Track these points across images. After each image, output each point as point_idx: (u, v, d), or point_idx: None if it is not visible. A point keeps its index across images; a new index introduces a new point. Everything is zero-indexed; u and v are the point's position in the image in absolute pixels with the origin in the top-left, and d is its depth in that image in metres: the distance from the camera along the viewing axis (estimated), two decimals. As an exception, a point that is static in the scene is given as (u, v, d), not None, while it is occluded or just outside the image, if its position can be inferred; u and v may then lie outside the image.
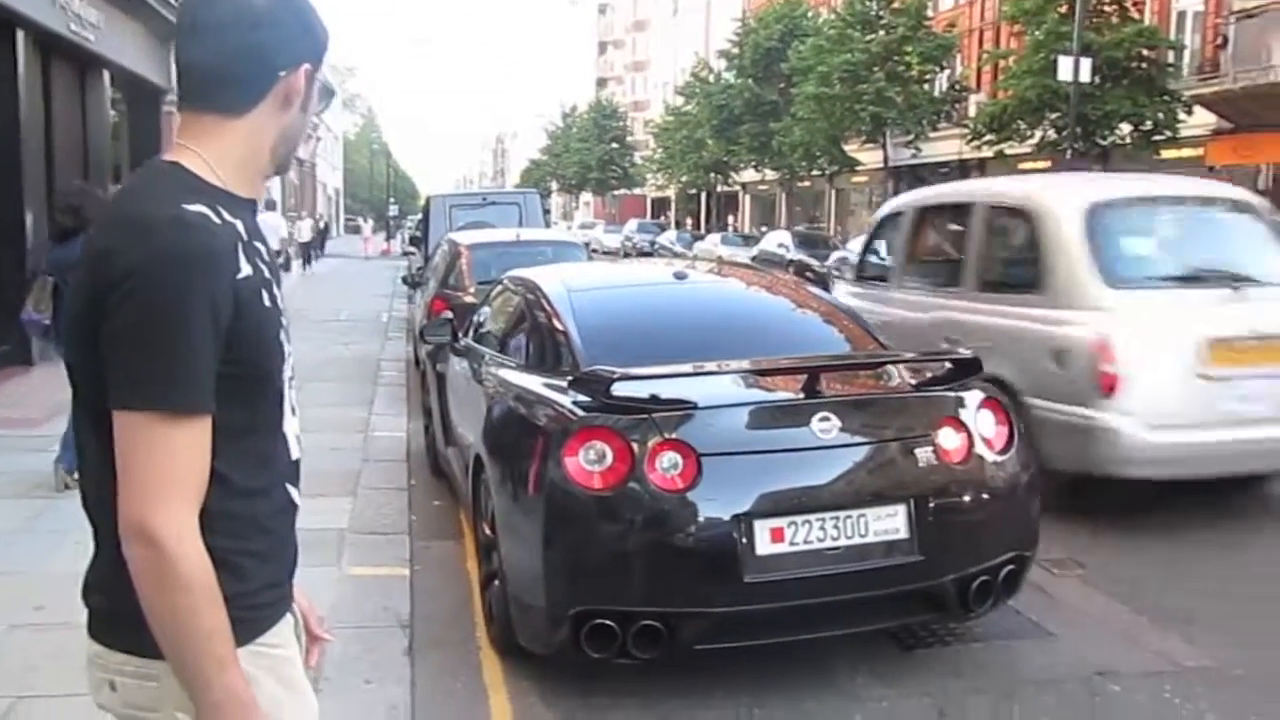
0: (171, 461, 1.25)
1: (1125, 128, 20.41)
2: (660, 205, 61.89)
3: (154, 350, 1.24)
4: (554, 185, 73.87)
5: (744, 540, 3.34)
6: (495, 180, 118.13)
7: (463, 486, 4.94)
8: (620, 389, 3.45)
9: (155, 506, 1.24)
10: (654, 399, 3.51)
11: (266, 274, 1.37)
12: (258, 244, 1.38)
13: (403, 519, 5.67)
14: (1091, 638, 4.19)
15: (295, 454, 1.49)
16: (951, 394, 3.84)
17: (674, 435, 3.40)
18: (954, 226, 7.05)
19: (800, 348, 4.24)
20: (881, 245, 8.20)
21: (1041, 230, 5.77)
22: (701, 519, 3.36)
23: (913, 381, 4.04)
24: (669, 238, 38.14)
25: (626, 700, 3.60)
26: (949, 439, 3.64)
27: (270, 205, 22.73)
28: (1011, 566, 3.72)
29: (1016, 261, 6.27)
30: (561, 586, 3.44)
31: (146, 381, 1.24)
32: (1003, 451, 3.77)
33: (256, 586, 1.38)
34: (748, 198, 49.04)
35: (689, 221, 51.21)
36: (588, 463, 3.38)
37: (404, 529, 5.49)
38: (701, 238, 35.76)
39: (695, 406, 3.51)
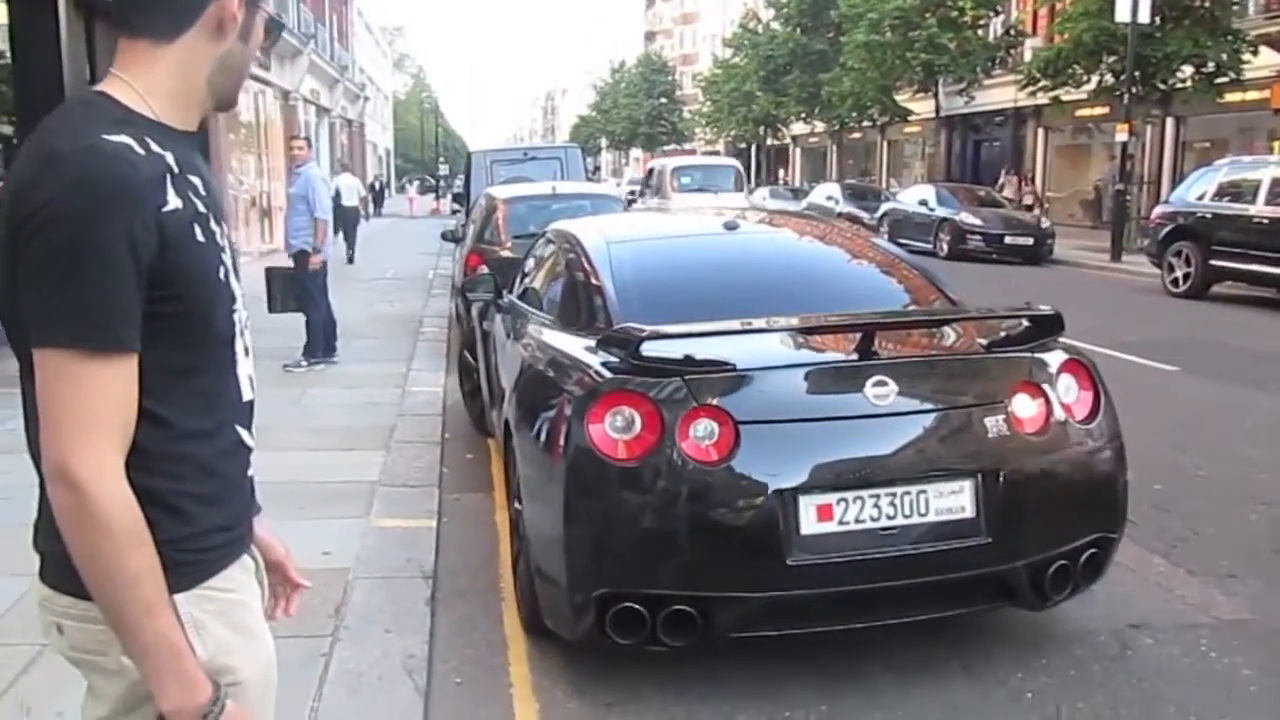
0: (92, 401, 1.21)
1: (1187, 70, 19.65)
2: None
3: (68, 285, 1.19)
4: (604, 142, 73.54)
5: (787, 518, 3.03)
6: (545, 138, 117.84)
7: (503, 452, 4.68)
8: (650, 349, 3.14)
9: (76, 448, 1.20)
10: (688, 360, 3.19)
11: (201, 208, 1.32)
12: (192, 177, 1.32)
13: (433, 472, 5.69)
14: (1127, 590, 4.07)
15: (248, 396, 1.46)
16: (1028, 355, 3.46)
17: (710, 400, 3.10)
18: (652, 175, 22.90)
19: (860, 304, 3.89)
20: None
21: (660, 177, 22.08)
22: (739, 494, 3.06)
23: (983, 341, 3.61)
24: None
25: (648, 658, 3.56)
26: (1024, 406, 3.28)
27: (344, 167, 23.94)
28: (1095, 550, 3.36)
29: (659, 187, 21.58)
30: (584, 566, 3.16)
31: (61, 318, 1.20)
32: (1086, 420, 3.40)
33: (203, 529, 1.35)
34: (798, 151, 48.38)
35: (738, 176, 50.62)
36: (614, 430, 3.09)
37: (434, 482, 5.51)
38: (750, 192, 35.34)
39: (734, 369, 3.20)
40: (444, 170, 55.99)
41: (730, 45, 44.50)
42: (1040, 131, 29.24)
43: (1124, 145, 20.21)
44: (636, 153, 73.22)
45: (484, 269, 8.72)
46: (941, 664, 3.49)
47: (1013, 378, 3.36)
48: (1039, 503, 3.27)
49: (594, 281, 4.10)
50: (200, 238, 1.30)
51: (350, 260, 18.49)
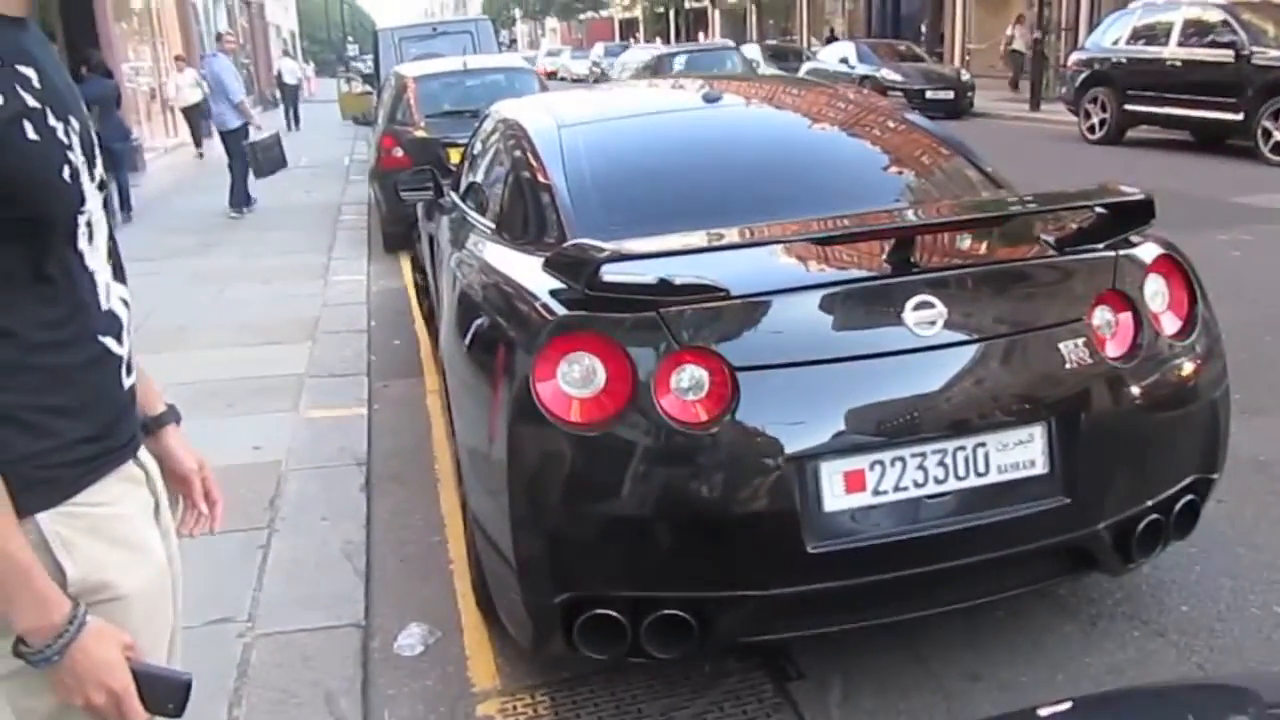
0: None
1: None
2: (628, 26, 59.74)
3: None
4: (517, 13, 71.19)
5: (806, 492, 2.32)
6: (457, 11, 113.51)
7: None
8: (614, 272, 2.33)
9: None
10: (665, 286, 2.37)
11: (33, 102, 1.20)
12: (22, 68, 1.21)
13: (361, 360, 5.66)
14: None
15: (105, 305, 1.37)
16: (1111, 255, 2.62)
17: (697, 341, 2.33)
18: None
19: (885, 198, 3.11)
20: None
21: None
22: (741, 464, 2.31)
23: (1051, 239, 2.74)
24: (637, 60, 36.93)
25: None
26: (1107, 323, 2.56)
27: (286, 53, 25.99)
28: (1191, 496, 2.68)
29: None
30: (541, 566, 2.42)
31: None
32: (1182, 334, 2.66)
33: (63, 443, 1.28)
34: (717, 12, 47.27)
35: (658, 41, 49.55)
36: (570, 384, 2.32)
37: (362, 370, 5.48)
38: (670, 58, 34.63)
39: (727, 295, 2.36)
40: (352, 51, 53.70)
41: (643, -96, 42.93)
42: (959, -19, 28.88)
43: (1041, -8, 20.08)
44: (553, 23, 71.07)
45: (403, 161, 8.52)
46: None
47: (1093, 287, 2.59)
48: (1127, 447, 2.57)
49: (541, 180, 3.22)
50: (32, 135, 1.19)
51: (295, 127, 23.38)
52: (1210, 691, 1.38)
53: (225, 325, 6.50)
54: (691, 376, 2.32)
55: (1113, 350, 2.55)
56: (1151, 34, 13.39)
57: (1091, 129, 14.12)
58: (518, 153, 3.55)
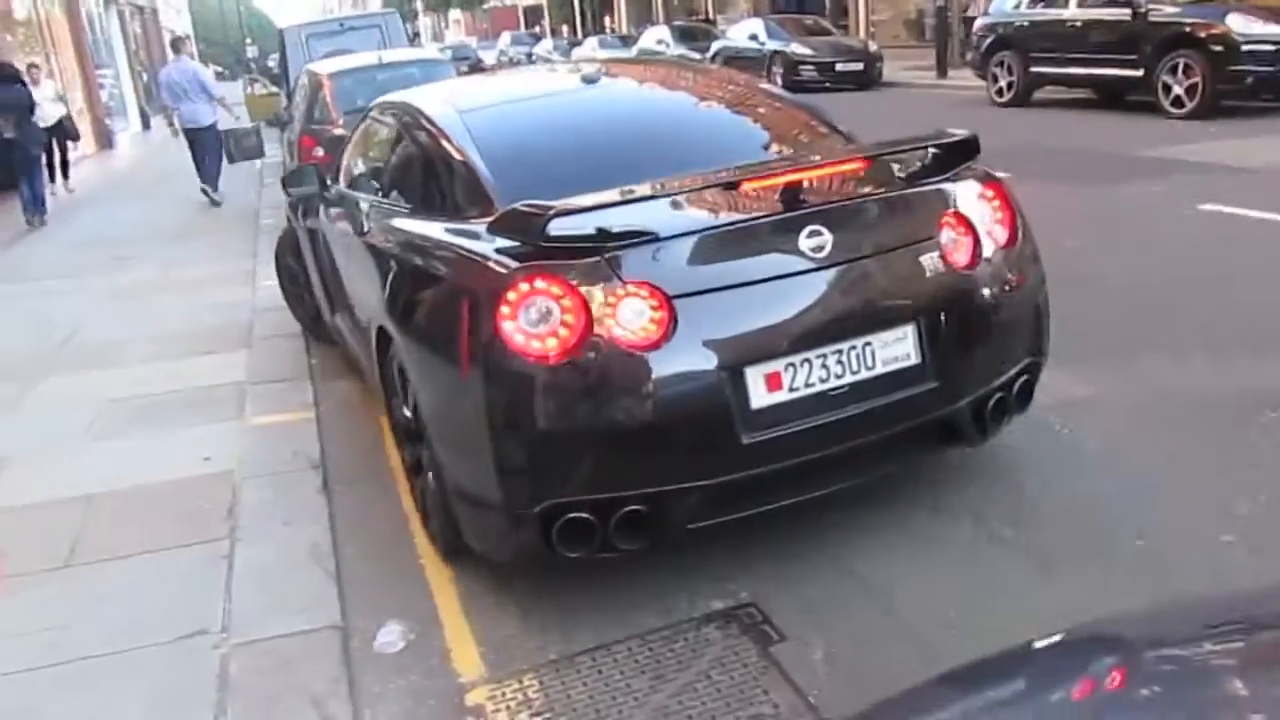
0: None
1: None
2: (533, 14, 59.29)
3: None
4: (419, 5, 70.19)
5: (737, 394, 2.81)
6: (357, 7, 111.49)
7: (365, 364, 4.23)
8: (558, 226, 2.74)
9: None
10: (603, 234, 2.80)
11: None
12: None
13: (302, 364, 5.59)
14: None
15: None
16: (950, 184, 3.26)
17: (637, 277, 2.76)
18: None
19: (756, 152, 3.68)
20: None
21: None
22: (684, 376, 2.77)
23: (902, 175, 3.38)
24: (546, 47, 36.68)
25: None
26: (953, 239, 3.15)
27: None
28: (1026, 376, 3.35)
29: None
30: (520, 483, 2.83)
31: None
32: (1009, 244, 3.29)
33: None
34: (622, -4, 47.19)
35: (565, 28, 49.27)
36: (531, 324, 2.71)
37: (304, 374, 5.41)
38: (579, 43, 34.54)
39: (657, 237, 2.82)
40: (252, 52, 52.44)
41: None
42: (860, -47, 29.25)
43: (941, -40, 20.44)
44: (456, 14, 70.25)
45: (312, 161, 8.38)
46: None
47: (939, 210, 3.19)
48: (977, 338, 3.20)
49: (456, 157, 3.58)
50: None
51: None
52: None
53: (156, 339, 6.36)
54: (635, 307, 2.75)
55: (959, 259, 3.15)
56: (1051, -4, 13.73)
57: (1000, 92, 14.44)
58: (427, 138, 3.86)
